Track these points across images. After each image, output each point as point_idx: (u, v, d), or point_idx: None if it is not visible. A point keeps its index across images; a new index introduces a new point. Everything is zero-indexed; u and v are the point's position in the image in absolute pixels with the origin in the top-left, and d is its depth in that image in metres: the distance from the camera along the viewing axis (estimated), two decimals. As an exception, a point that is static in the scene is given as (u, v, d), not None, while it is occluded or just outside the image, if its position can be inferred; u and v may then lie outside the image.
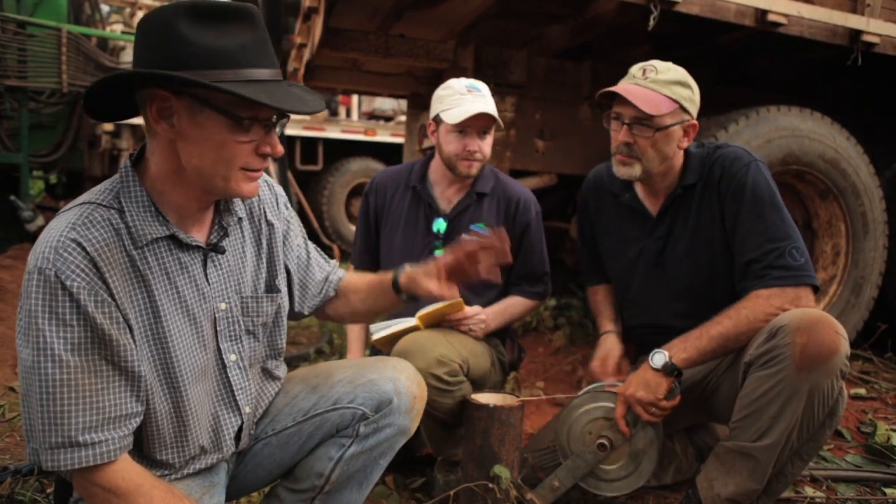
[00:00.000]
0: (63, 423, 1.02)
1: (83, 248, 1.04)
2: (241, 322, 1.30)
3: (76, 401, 1.03)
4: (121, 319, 1.08)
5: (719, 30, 2.78)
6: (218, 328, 1.25)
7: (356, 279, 1.58)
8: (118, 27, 7.23)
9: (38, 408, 1.02)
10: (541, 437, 2.05)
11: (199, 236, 1.21)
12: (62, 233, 1.04)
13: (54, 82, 5.63)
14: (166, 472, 1.21)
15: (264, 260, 1.36)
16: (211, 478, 1.28)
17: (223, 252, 1.25)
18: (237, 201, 1.30)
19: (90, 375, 1.04)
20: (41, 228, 5.78)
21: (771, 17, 2.64)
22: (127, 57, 6.25)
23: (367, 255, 2.32)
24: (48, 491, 1.70)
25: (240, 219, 1.31)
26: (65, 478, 1.19)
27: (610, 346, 2.05)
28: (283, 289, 1.40)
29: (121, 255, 1.09)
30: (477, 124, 2.03)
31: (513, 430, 1.76)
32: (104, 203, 1.11)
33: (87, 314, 1.03)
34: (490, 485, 1.72)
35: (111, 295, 1.06)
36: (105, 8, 8.10)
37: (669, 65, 1.81)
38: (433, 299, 1.47)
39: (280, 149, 1.13)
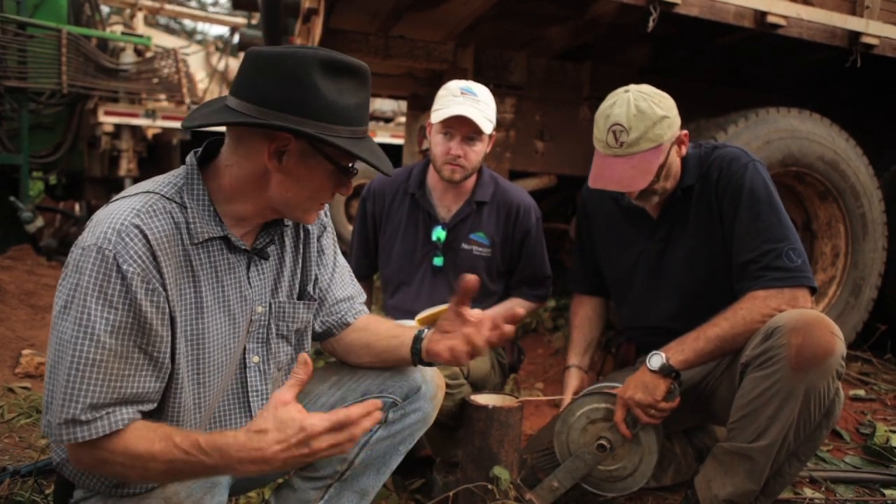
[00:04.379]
0: (81, 400, 1.03)
1: (145, 236, 1.08)
2: (274, 326, 1.33)
3: (101, 382, 1.04)
4: (167, 310, 1.11)
5: (719, 31, 2.78)
6: (250, 330, 1.29)
7: (377, 321, 1.52)
8: (118, 28, 7.24)
9: (64, 381, 1.03)
10: (540, 438, 2.05)
11: (246, 240, 1.27)
12: (126, 217, 1.08)
13: (54, 83, 5.63)
14: None
15: (300, 265, 1.40)
16: (212, 478, 1.28)
17: (267, 258, 1.31)
18: None
19: (120, 360, 1.06)
20: (40, 229, 5.80)
21: (770, 19, 2.64)
22: (126, 58, 6.25)
23: (366, 262, 2.32)
24: (47, 492, 1.70)
25: (285, 226, 1.36)
26: (67, 478, 1.19)
27: (574, 384, 2.07)
28: (316, 296, 1.43)
29: (177, 249, 1.14)
30: (462, 129, 2.01)
31: (512, 431, 1.76)
32: (167, 195, 1.15)
33: (135, 300, 1.06)
34: (489, 486, 1.72)
35: (163, 285, 1.10)
36: (105, 9, 8.11)
37: (632, 107, 1.70)
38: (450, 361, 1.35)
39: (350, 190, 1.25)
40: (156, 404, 1.14)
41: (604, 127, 1.76)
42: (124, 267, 1.04)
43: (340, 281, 1.49)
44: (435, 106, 2.07)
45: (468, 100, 2.01)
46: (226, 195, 1.20)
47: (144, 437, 1.05)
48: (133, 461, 1.04)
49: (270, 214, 1.26)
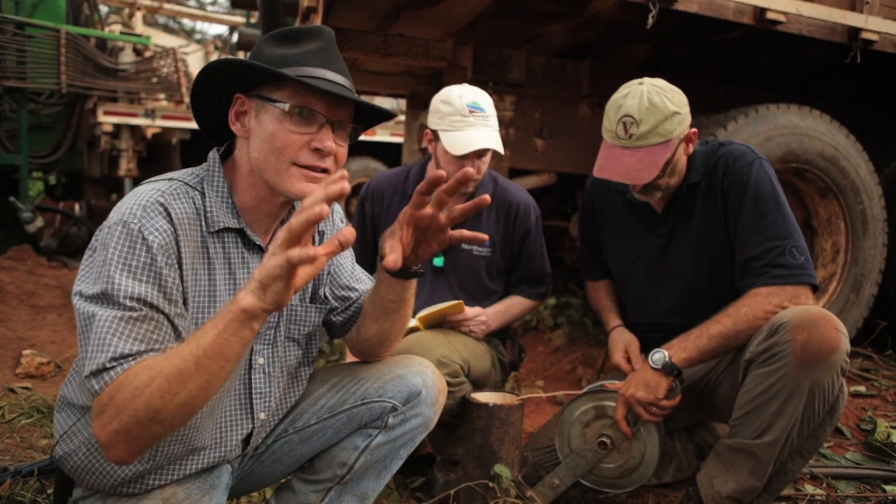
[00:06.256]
0: (111, 350, 1.00)
1: (168, 214, 1.10)
2: (284, 329, 1.32)
3: (128, 339, 1.01)
4: (180, 289, 1.12)
5: (718, 28, 2.78)
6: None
7: None
8: (117, 28, 7.24)
9: (94, 338, 1.00)
10: (541, 436, 2.05)
11: (263, 240, 1.27)
12: (151, 196, 1.10)
13: (53, 83, 5.62)
14: (169, 465, 1.20)
15: None
16: (212, 480, 1.28)
17: None
18: None
19: (149, 322, 1.04)
20: (40, 230, 5.80)
21: (770, 15, 2.64)
22: (125, 58, 6.24)
23: (365, 263, 2.32)
24: (48, 492, 1.70)
25: None
26: (67, 474, 1.19)
27: (627, 338, 2.02)
28: (330, 299, 1.42)
29: (196, 234, 1.16)
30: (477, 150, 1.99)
31: (513, 429, 1.76)
32: (190, 183, 1.18)
33: (160, 272, 1.06)
34: (490, 483, 1.72)
35: (179, 264, 1.11)
36: (104, 9, 8.11)
37: (644, 100, 1.70)
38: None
39: (331, 146, 1.15)
40: None
41: (614, 117, 1.75)
42: (150, 238, 1.06)
43: (359, 278, 1.49)
44: (442, 124, 2.01)
45: (479, 119, 1.98)
46: (235, 186, 1.22)
47: (151, 360, 1.01)
48: (149, 382, 0.97)
49: (272, 198, 1.22)
